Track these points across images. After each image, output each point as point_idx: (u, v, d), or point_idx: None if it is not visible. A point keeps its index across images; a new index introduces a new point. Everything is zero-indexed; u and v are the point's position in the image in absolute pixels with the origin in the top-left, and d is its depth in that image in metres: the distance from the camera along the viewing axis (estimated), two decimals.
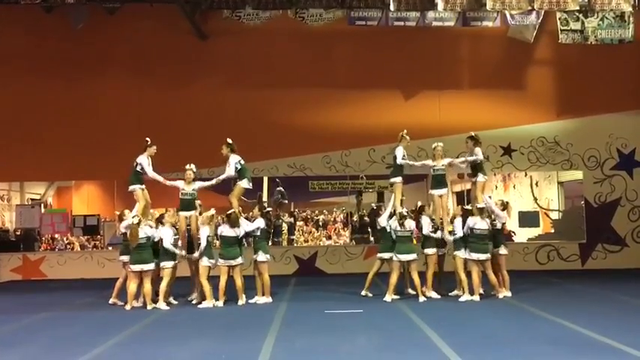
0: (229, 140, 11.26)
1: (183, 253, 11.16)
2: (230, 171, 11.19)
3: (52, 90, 15.80)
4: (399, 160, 11.29)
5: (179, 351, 7.50)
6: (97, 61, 15.81)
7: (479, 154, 11.26)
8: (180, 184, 11.28)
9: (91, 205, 21.08)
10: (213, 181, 11.48)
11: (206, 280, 10.74)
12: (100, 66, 15.82)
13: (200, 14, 15.28)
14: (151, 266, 10.61)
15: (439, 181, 11.47)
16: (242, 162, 11.22)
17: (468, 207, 11.42)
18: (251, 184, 11.40)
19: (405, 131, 11.51)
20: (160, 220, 11.11)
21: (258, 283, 11.14)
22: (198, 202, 11.42)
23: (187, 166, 11.30)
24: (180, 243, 11.08)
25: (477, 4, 12.65)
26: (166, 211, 11.93)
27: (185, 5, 14.21)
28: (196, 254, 10.89)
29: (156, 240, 10.82)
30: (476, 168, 11.46)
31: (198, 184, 11.37)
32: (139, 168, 11.05)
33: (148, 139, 11.18)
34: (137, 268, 10.53)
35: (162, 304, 10.61)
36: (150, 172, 11.12)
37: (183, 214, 11.26)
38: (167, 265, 10.76)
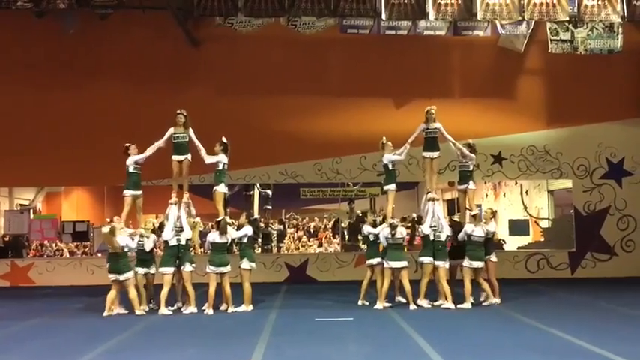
0: (224, 140, 11.32)
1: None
2: (211, 159, 11.22)
3: (42, 95, 15.72)
4: (397, 158, 11.38)
5: (168, 358, 7.46)
6: (88, 67, 15.76)
7: (473, 159, 11.56)
8: (167, 136, 11.31)
9: (81, 211, 20.93)
10: (200, 148, 11.32)
11: (190, 285, 10.78)
12: (91, 72, 15.77)
13: (192, 21, 15.28)
14: (127, 276, 10.48)
15: (432, 145, 11.42)
16: (225, 166, 11.29)
17: (456, 218, 11.52)
18: (227, 189, 11.53)
19: (385, 138, 11.59)
20: (160, 228, 11.14)
21: None
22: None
23: (178, 111, 11.36)
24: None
25: (467, 13, 12.76)
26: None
27: (177, 12, 14.20)
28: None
29: (132, 250, 10.87)
30: (466, 177, 11.55)
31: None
32: (132, 169, 11.13)
33: (127, 144, 11.27)
34: (112, 277, 10.50)
35: (164, 310, 10.63)
36: (144, 154, 11.16)
37: (176, 157, 11.27)
38: (167, 271, 10.73)
